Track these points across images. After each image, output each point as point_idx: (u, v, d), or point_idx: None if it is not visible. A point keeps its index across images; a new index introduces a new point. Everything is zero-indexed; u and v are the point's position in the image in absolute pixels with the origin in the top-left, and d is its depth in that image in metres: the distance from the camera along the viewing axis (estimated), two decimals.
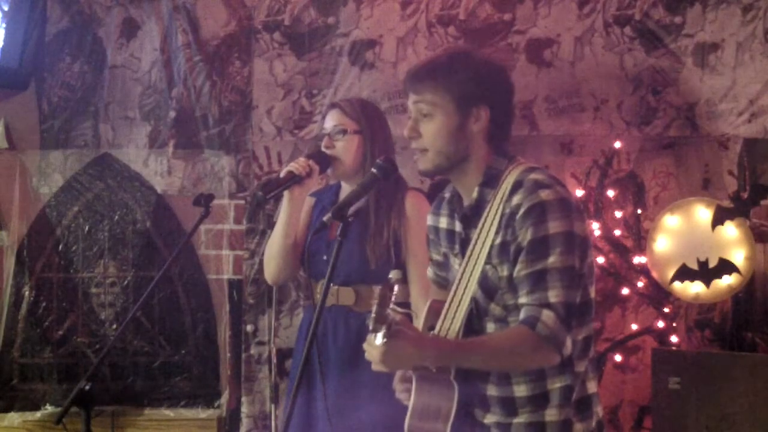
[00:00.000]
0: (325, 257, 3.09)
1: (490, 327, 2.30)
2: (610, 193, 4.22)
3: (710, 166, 4.31)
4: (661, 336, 4.09)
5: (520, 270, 2.21)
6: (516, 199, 2.23)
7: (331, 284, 2.65)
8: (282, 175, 3.16)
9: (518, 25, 4.36)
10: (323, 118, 3.31)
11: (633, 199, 4.28)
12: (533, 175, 2.27)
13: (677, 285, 4.00)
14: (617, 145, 4.24)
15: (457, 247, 2.38)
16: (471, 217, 2.33)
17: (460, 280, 2.31)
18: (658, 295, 4.11)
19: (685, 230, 4.01)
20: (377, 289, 2.14)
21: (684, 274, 3.99)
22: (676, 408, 3.75)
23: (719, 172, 4.29)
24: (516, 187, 2.25)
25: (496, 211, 2.26)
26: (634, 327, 4.22)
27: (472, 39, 4.33)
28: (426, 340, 2.25)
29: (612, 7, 4.33)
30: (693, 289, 3.99)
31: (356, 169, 3.16)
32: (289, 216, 3.18)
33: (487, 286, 2.27)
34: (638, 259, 4.13)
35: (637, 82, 4.32)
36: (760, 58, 4.26)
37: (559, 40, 4.35)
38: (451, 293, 2.33)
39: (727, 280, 3.96)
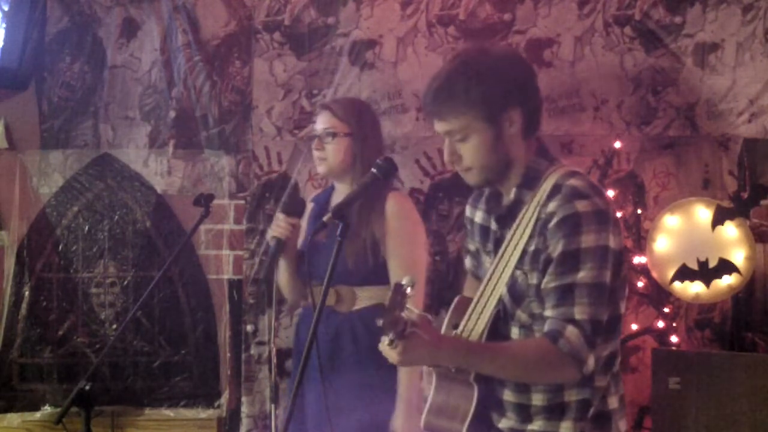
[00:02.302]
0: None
1: (515, 332, 2.25)
2: (610, 193, 4.21)
3: (710, 166, 4.31)
4: (661, 336, 4.09)
5: (548, 282, 2.15)
6: (551, 206, 2.16)
7: (314, 285, 2.71)
8: (270, 242, 3.23)
9: (518, 25, 4.36)
10: (315, 119, 3.33)
11: (633, 199, 4.29)
12: (572, 181, 2.19)
13: (677, 285, 4.00)
14: (617, 145, 4.24)
15: (490, 245, 2.33)
16: (506, 217, 2.27)
17: (489, 280, 2.26)
18: (658, 295, 4.11)
19: (685, 230, 4.02)
20: (388, 295, 2.10)
21: (684, 274, 3.99)
22: (676, 408, 3.75)
23: (719, 172, 4.29)
24: (554, 191, 2.18)
25: (532, 214, 2.20)
26: (634, 327, 4.21)
27: (472, 39, 4.33)
28: (442, 341, 2.16)
29: (612, 7, 4.33)
30: (693, 289, 3.99)
31: (345, 170, 3.18)
32: (289, 266, 3.24)
33: (515, 291, 2.22)
34: (638, 259, 4.13)
35: (637, 82, 4.32)
36: (760, 58, 4.26)
37: (559, 40, 4.35)
38: (479, 293, 2.28)
39: (727, 280, 3.97)
